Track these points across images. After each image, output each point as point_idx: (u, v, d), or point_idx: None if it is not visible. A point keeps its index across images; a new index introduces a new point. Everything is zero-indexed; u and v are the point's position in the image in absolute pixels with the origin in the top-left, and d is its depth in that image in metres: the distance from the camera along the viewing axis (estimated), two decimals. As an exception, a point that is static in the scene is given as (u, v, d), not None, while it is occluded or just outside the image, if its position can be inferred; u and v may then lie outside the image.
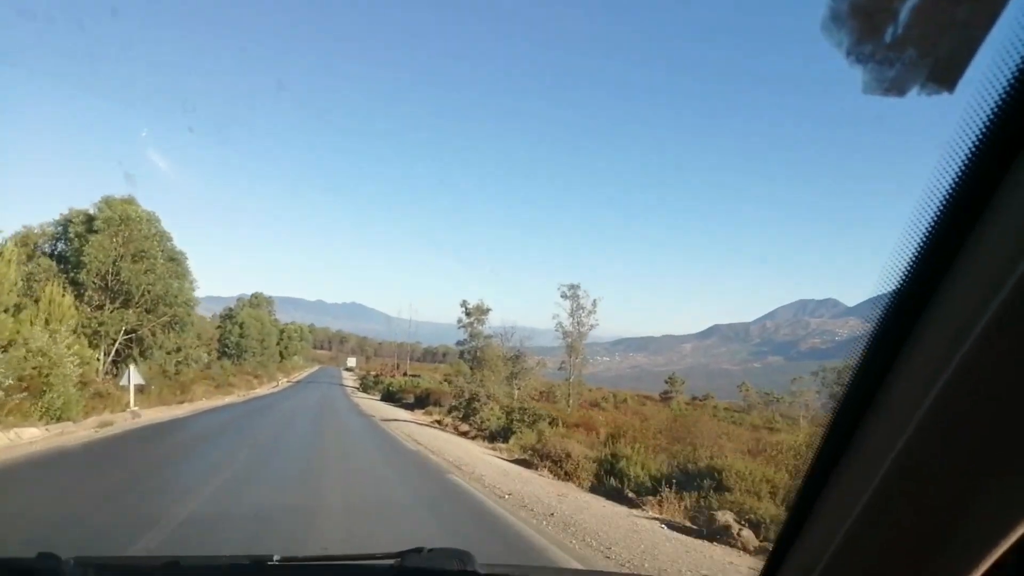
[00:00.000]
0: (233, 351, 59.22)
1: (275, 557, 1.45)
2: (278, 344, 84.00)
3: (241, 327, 60.41)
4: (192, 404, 26.41)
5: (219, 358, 58.39)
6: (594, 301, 64.01)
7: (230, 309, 66.62)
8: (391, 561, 1.44)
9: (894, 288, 0.85)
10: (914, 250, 0.82)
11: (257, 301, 68.90)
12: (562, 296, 63.46)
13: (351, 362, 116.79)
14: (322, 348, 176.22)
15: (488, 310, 60.52)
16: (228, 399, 32.97)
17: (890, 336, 0.86)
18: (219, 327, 68.21)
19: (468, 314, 60.36)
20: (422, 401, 34.74)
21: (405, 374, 59.47)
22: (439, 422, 25.42)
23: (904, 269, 0.84)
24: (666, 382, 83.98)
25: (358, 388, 60.84)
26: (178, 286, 23.58)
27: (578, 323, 65.96)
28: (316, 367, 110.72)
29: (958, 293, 0.78)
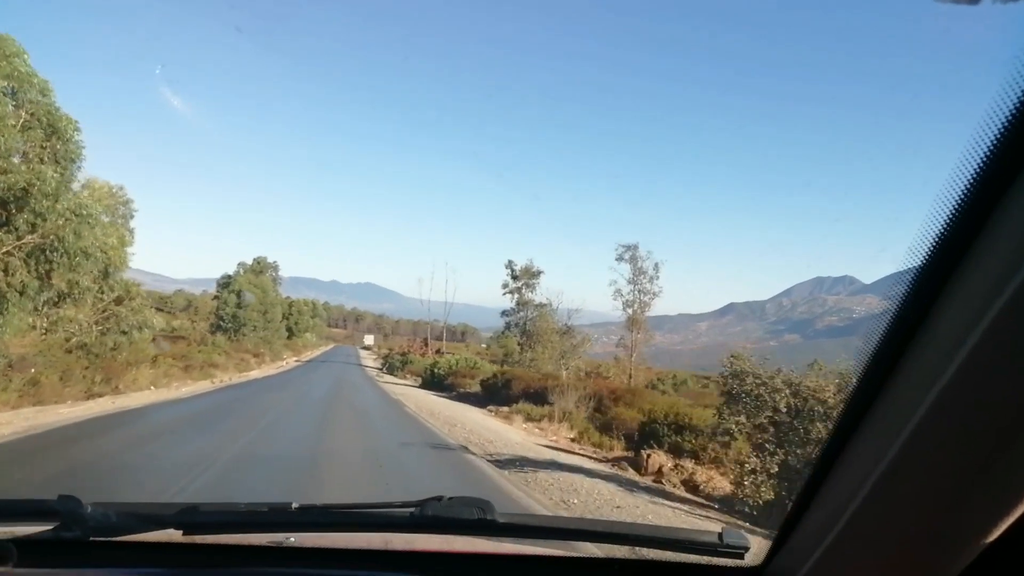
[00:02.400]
0: (229, 324, 48.09)
1: (293, 505, 1.40)
2: (286, 319, 73.24)
3: (239, 296, 49.06)
4: (108, 400, 15.04)
5: (213, 333, 47.53)
6: (656, 265, 52.30)
7: (228, 277, 55.47)
8: (410, 509, 1.37)
9: (922, 259, 0.81)
10: (957, 198, 0.76)
11: (260, 267, 57.26)
12: (617, 259, 51.64)
13: (368, 340, 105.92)
14: (336, 327, 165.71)
15: (539, 272, 48.55)
16: (192, 388, 21.49)
17: (911, 311, 0.84)
18: (215, 297, 57.14)
19: (515, 277, 48.47)
20: (497, 393, 21.69)
21: (438, 352, 47.87)
22: (640, 467, 10.41)
23: (941, 227, 0.78)
24: (731, 358, 72.24)
25: (382, 370, 49.33)
26: (57, 178, 11.86)
27: (639, 291, 54.45)
28: (330, 345, 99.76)
29: (994, 261, 0.74)
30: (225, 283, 54.38)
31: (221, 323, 48.48)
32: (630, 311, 57.26)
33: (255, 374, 33.45)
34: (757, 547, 1.29)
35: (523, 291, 45.49)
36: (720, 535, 1.33)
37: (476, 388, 24.89)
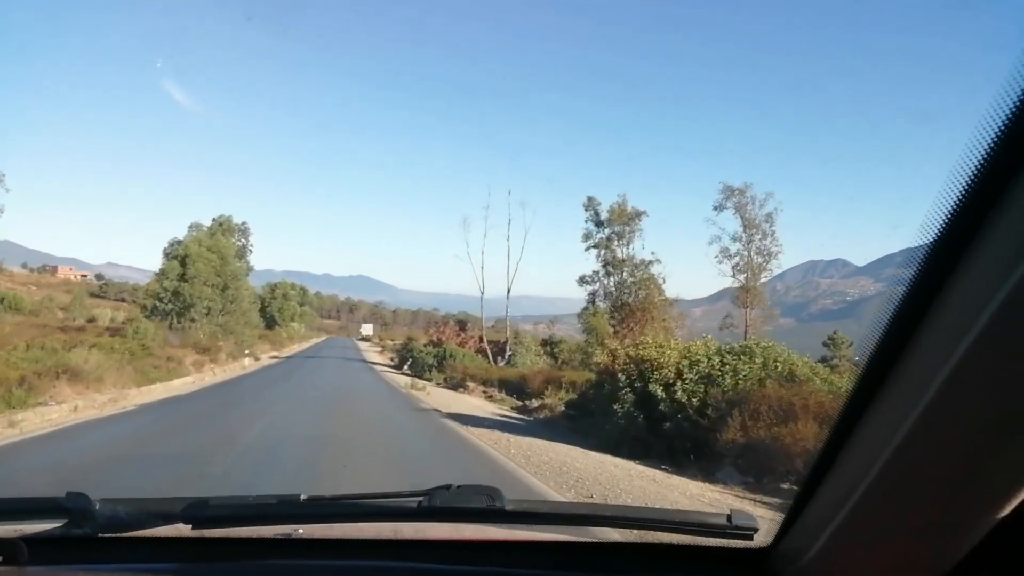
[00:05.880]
0: (170, 306, 31.39)
1: (302, 496, 1.38)
2: (266, 305, 56.32)
3: (183, 264, 32.23)
4: None
5: (148, 317, 30.93)
6: (768, 215, 35.69)
7: (178, 242, 38.61)
8: (419, 498, 1.35)
9: (934, 236, 0.77)
10: (968, 178, 0.71)
11: (223, 227, 39.98)
12: (716, 208, 35.33)
13: (366, 330, 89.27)
14: (330, 317, 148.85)
15: (641, 213, 29.72)
16: None
17: (924, 288, 0.80)
18: (159, 273, 40.15)
19: (599, 224, 30.55)
20: None
21: (482, 340, 31.20)
22: None
23: (954, 201, 0.74)
24: (825, 344, 56.93)
25: (401, 369, 32.17)
26: None
27: (752, 250, 37.88)
28: (322, 337, 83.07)
29: (1003, 241, 0.71)
30: (169, 251, 37.69)
31: (158, 304, 31.82)
32: (744, 277, 41.07)
33: (157, 393, 16.79)
34: (767, 529, 1.28)
35: (614, 245, 28.97)
36: (729, 516, 1.30)
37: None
